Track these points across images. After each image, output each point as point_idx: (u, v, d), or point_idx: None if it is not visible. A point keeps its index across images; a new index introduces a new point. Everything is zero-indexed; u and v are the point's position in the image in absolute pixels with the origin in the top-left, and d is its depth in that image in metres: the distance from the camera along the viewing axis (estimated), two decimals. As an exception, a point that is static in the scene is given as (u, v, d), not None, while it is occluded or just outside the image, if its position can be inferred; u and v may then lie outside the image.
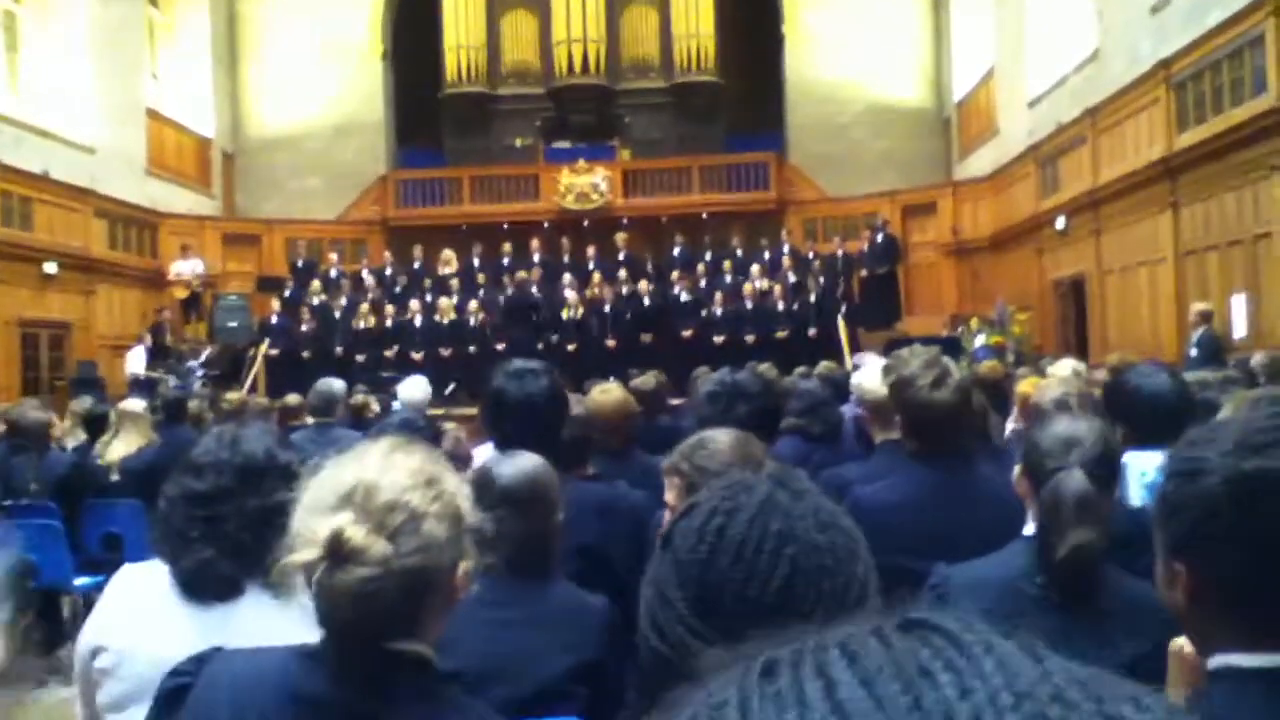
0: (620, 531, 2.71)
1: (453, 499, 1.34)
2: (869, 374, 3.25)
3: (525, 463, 2.19)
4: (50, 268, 13.71)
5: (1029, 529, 1.98)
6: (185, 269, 15.95)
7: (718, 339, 14.08)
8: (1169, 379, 2.80)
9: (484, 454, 3.45)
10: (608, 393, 3.99)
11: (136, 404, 6.43)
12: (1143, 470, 2.11)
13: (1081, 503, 1.81)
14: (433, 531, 1.29)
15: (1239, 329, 9.54)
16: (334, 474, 1.32)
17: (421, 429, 3.20)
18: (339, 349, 14.24)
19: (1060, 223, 13.53)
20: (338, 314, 14.87)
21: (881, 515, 2.44)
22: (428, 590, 1.30)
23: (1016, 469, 2.07)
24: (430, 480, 1.33)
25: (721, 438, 1.92)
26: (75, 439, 6.74)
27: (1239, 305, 9.58)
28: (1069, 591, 1.84)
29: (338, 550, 1.23)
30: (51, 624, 5.77)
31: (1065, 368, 4.50)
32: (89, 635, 1.90)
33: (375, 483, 1.29)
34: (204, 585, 1.82)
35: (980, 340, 12.68)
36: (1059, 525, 1.81)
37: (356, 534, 1.24)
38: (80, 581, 5.71)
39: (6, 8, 14.31)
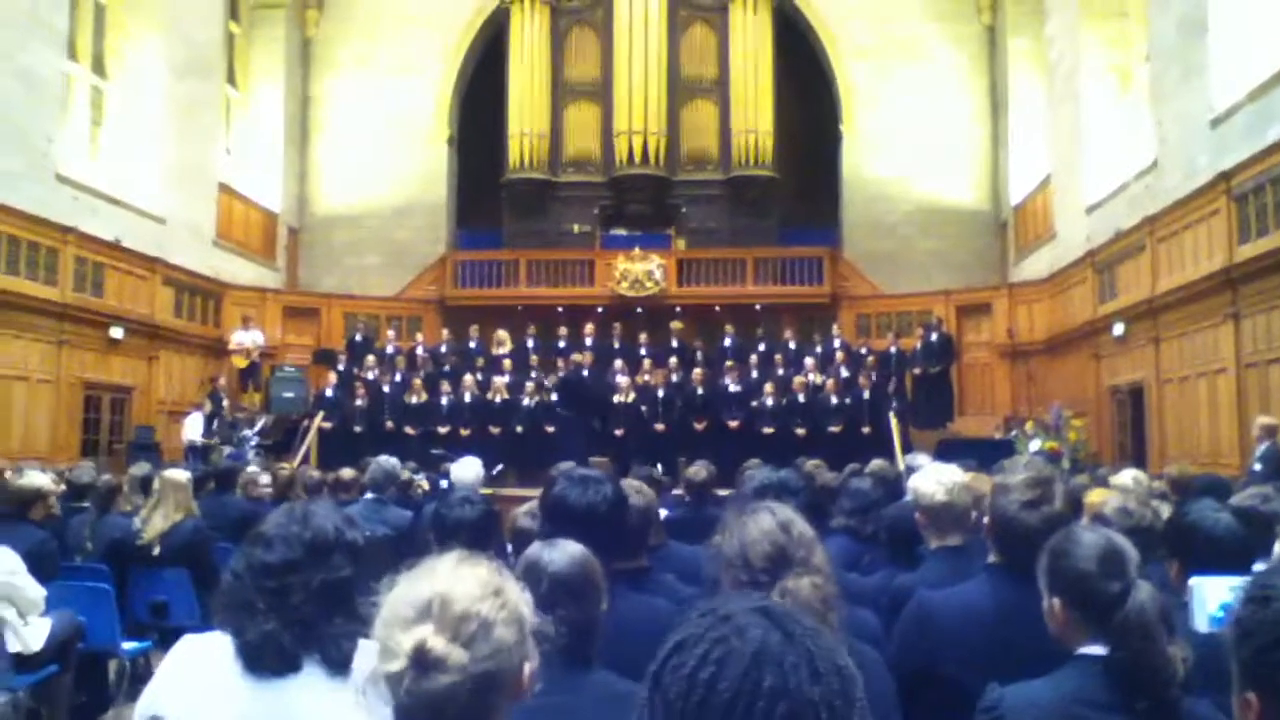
0: None
1: (516, 605, 1.43)
2: (926, 478, 3.20)
3: (572, 550, 2.20)
4: (116, 332, 14.03)
5: (1086, 649, 1.93)
6: (246, 339, 16.30)
7: (766, 430, 13.99)
8: (1230, 518, 2.68)
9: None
10: (641, 493, 3.95)
11: (180, 474, 6.38)
12: (1208, 597, 2.04)
13: (1167, 619, 1.76)
14: (502, 637, 1.37)
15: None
16: (409, 588, 1.41)
17: (477, 503, 3.23)
18: (389, 423, 14.37)
19: (1118, 329, 13.40)
20: (387, 389, 15.06)
21: (949, 623, 2.40)
22: (497, 690, 1.38)
23: (1055, 602, 2.00)
24: (497, 590, 1.42)
25: None
26: (132, 504, 6.81)
27: (1303, 419, 9.35)
28: (1157, 714, 1.78)
29: (422, 660, 1.33)
30: (97, 688, 5.77)
31: (1126, 477, 4.42)
32: (146, 703, 1.92)
33: (448, 595, 1.38)
34: (265, 657, 1.84)
35: (1035, 445, 12.46)
36: (1153, 646, 1.75)
37: (438, 644, 1.33)
38: (127, 646, 5.71)
39: (95, 84, 14.95)
